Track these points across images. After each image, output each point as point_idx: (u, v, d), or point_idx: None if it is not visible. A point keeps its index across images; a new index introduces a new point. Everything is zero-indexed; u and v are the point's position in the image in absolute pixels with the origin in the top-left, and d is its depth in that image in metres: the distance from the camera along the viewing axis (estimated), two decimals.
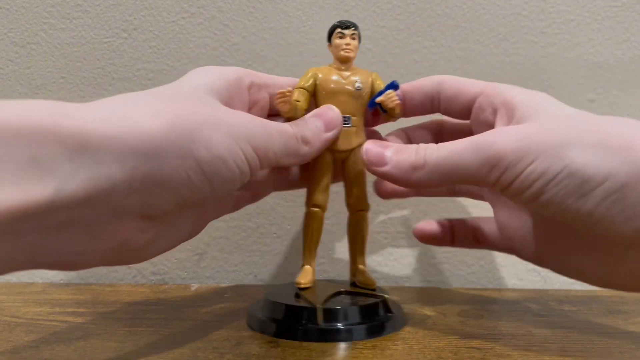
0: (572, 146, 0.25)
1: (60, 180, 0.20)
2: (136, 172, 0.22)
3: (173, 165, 0.23)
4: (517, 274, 0.50)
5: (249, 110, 0.33)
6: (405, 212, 0.50)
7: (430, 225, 0.38)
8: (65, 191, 0.20)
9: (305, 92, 0.35)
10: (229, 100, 0.29)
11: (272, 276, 0.51)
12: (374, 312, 0.35)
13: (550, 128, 0.26)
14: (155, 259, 0.51)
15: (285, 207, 0.50)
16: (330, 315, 0.33)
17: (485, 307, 0.41)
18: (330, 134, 0.33)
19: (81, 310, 0.40)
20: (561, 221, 0.27)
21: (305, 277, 0.36)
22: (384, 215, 0.50)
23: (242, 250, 0.51)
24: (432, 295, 0.45)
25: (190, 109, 0.24)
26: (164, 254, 0.51)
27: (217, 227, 0.50)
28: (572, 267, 0.31)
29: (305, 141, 0.31)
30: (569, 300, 0.43)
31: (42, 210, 0.19)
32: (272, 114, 0.35)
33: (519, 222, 0.33)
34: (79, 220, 0.21)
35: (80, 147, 0.20)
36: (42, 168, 0.19)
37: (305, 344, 0.33)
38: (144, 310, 0.40)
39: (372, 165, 0.31)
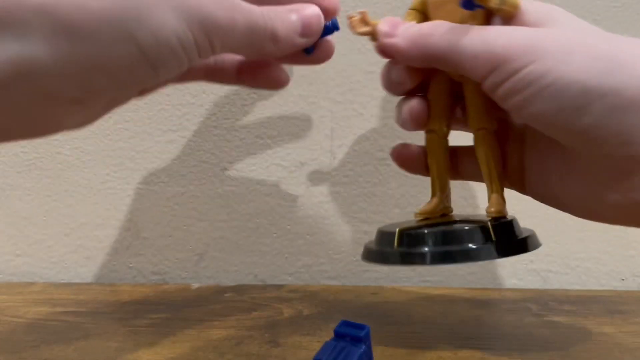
0: (578, 54, 0.23)
1: None
2: (71, 55, 0.19)
3: (114, 50, 0.20)
4: (516, 274, 0.50)
5: None
6: (405, 212, 0.50)
7: (406, 148, 0.34)
8: None
9: (416, 12, 0.32)
10: None
11: (272, 276, 0.51)
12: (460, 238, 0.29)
13: (557, 34, 0.24)
14: (155, 259, 0.51)
15: (285, 207, 0.50)
16: (410, 239, 0.30)
17: (485, 307, 0.41)
18: (303, 41, 0.27)
19: (81, 310, 0.40)
20: (550, 138, 0.26)
21: (425, 207, 0.33)
22: (384, 215, 0.50)
23: (242, 250, 0.51)
24: (431, 295, 0.45)
25: None
26: (163, 254, 0.51)
27: (217, 227, 0.50)
28: (556, 195, 0.29)
29: (274, 39, 0.25)
30: (568, 300, 0.43)
31: None
32: None
33: (510, 147, 0.32)
34: (3, 103, 0.19)
35: (2, 22, 0.18)
36: None
37: (305, 343, 0.33)
38: (144, 310, 0.40)
39: (384, 37, 0.29)
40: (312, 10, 0.26)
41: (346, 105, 0.49)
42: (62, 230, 0.51)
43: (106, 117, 0.49)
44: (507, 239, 0.29)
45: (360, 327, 0.28)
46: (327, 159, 0.49)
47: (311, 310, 0.40)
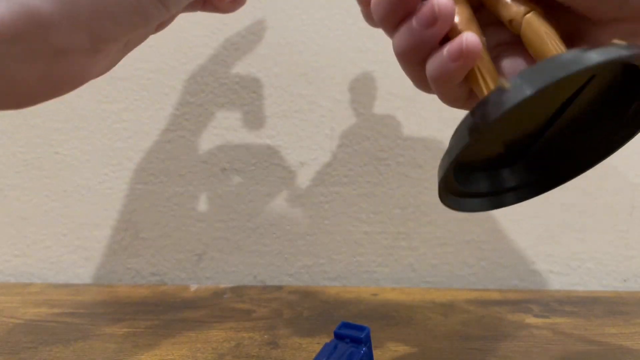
0: None
1: None
2: (76, 5, 0.19)
3: None
4: (518, 274, 0.50)
5: None
6: (405, 212, 0.50)
7: None
8: None
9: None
10: None
11: (271, 277, 0.51)
12: None
13: None
14: (154, 260, 0.51)
15: (285, 207, 0.50)
16: None
17: (486, 308, 0.41)
18: None
19: (80, 311, 0.40)
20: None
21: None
22: (384, 215, 0.50)
23: (241, 251, 0.51)
24: (433, 296, 0.45)
25: None
26: (162, 255, 0.51)
27: (216, 228, 0.50)
28: None
29: None
30: (570, 301, 0.43)
31: None
32: None
33: None
34: (16, 58, 0.19)
35: None
36: None
37: (305, 344, 0.33)
38: (143, 311, 0.40)
39: None
40: None
41: (346, 105, 0.48)
42: (61, 230, 0.51)
43: (104, 116, 0.49)
44: None
45: (361, 328, 0.27)
46: (327, 159, 0.49)
47: (311, 311, 0.40)
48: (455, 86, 0.25)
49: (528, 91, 0.20)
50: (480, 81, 0.26)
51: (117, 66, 0.51)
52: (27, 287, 0.47)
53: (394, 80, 0.48)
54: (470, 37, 0.23)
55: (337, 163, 0.49)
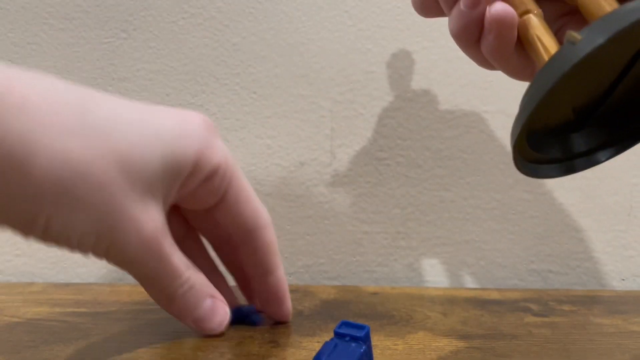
0: None
1: None
2: None
3: None
4: (517, 274, 0.50)
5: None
6: (405, 212, 0.50)
7: None
8: None
9: None
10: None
11: None
12: None
13: None
14: None
15: (285, 207, 0.50)
16: None
17: (485, 307, 0.41)
18: (204, 327, 0.33)
19: (81, 310, 0.40)
20: None
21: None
22: (384, 215, 0.50)
23: None
24: (432, 295, 0.45)
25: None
26: None
27: None
28: None
29: (169, 303, 0.32)
30: (569, 300, 0.43)
31: None
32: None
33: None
34: None
35: None
36: None
37: (305, 343, 0.33)
38: (144, 310, 0.40)
39: None
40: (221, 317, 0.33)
41: (346, 105, 0.49)
42: None
43: None
44: None
45: (360, 327, 0.27)
46: (327, 159, 0.49)
47: (311, 310, 0.40)
48: (514, 59, 0.26)
49: (600, 39, 0.20)
50: (539, 46, 0.25)
51: (118, 66, 0.52)
52: (28, 286, 0.48)
53: (393, 80, 0.48)
54: (497, 5, 0.24)
55: (337, 163, 0.49)
